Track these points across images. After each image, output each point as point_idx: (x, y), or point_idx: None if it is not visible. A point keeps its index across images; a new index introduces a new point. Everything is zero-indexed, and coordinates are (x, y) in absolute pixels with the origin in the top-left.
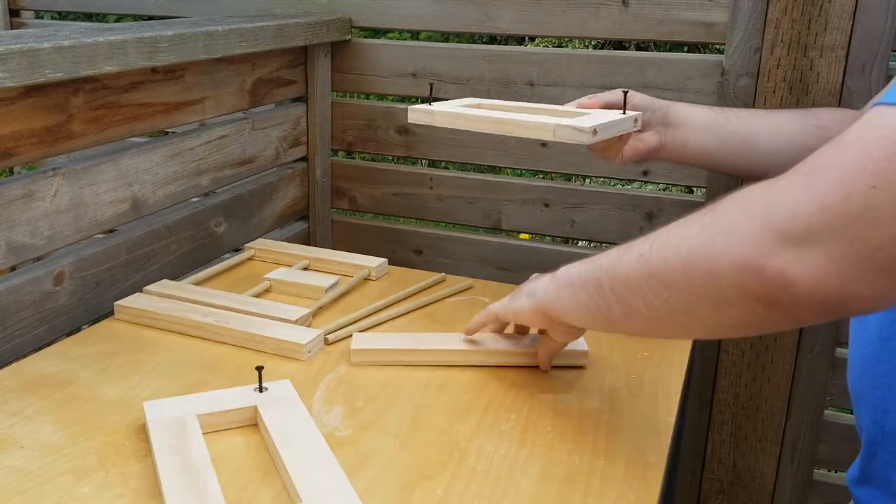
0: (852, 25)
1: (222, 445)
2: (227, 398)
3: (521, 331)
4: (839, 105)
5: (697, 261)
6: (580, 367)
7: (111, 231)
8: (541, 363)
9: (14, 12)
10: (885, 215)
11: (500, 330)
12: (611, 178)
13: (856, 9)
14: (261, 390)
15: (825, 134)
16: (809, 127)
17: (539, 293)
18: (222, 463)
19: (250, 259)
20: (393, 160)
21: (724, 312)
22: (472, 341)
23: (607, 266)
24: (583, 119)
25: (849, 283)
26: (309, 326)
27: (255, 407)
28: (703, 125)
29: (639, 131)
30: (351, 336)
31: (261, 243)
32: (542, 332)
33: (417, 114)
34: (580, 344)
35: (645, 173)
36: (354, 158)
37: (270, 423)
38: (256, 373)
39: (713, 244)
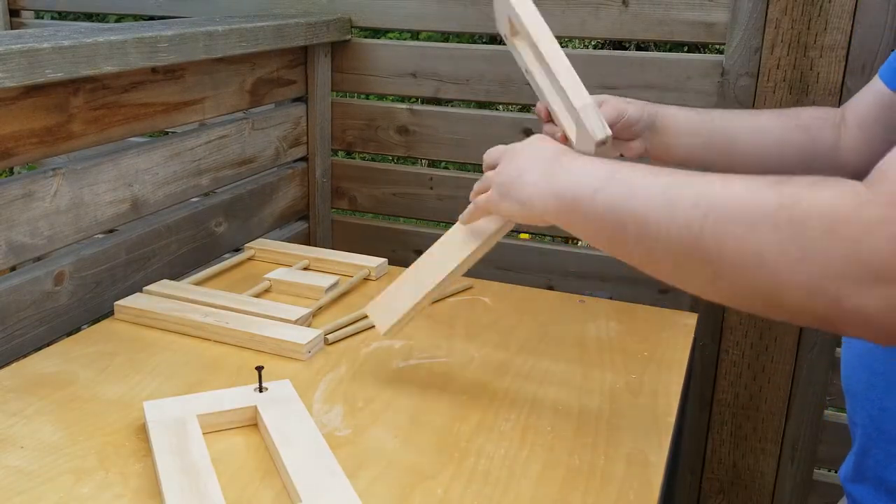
0: (852, 25)
1: (222, 445)
2: (227, 398)
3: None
4: (839, 105)
5: (764, 267)
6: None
7: (111, 231)
8: (469, 212)
9: (14, 12)
10: None
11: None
12: None
13: (856, 9)
14: (261, 390)
15: (806, 134)
16: (791, 126)
17: (537, 207)
18: (222, 463)
19: (250, 259)
20: (393, 160)
21: (773, 312)
22: (466, 236)
23: (641, 216)
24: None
25: None
26: (309, 326)
27: (255, 407)
28: (689, 129)
29: (627, 139)
30: (350, 336)
31: (261, 243)
32: None
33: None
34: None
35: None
36: (354, 158)
37: (270, 423)
38: (256, 373)
39: (788, 257)
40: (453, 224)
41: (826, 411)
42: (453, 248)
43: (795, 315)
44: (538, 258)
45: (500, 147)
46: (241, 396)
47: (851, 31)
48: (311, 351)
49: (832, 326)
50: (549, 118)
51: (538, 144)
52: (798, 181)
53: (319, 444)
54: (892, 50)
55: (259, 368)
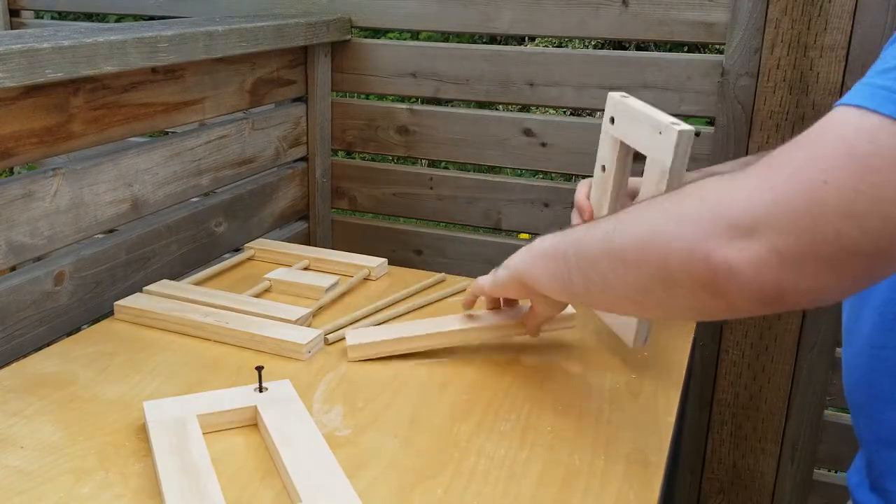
0: (852, 25)
1: (222, 445)
2: (227, 398)
3: (511, 303)
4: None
5: (653, 242)
6: (569, 328)
7: (111, 231)
8: (528, 331)
9: (14, 12)
10: (831, 211)
11: (494, 306)
12: None
13: (856, 9)
14: (261, 390)
15: None
16: None
17: (515, 262)
18: (222, 463)
19: (250, 259)
20: (393, 160)
21: (674, 295)
22: (467, 317)
23: (575, 239)
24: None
25: (788, 275)
26: (309, 326)
27: (255, 407)
28: None
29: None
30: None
31: (261, 243)
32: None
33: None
34: (567, 308)
35: None
36: (354, 158)
37: (270, 424)
38: (256, 373)
39: (668, 228)
40: (453, 224)
41: (826, 411)
42: (451, 320)
43: (686, 288)
44: None
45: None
46: (241, 396)
47: (851, 31)
48: (311, 351)
49: (717, 293)
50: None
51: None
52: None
53: (319, 445)
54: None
55: (259, 368)
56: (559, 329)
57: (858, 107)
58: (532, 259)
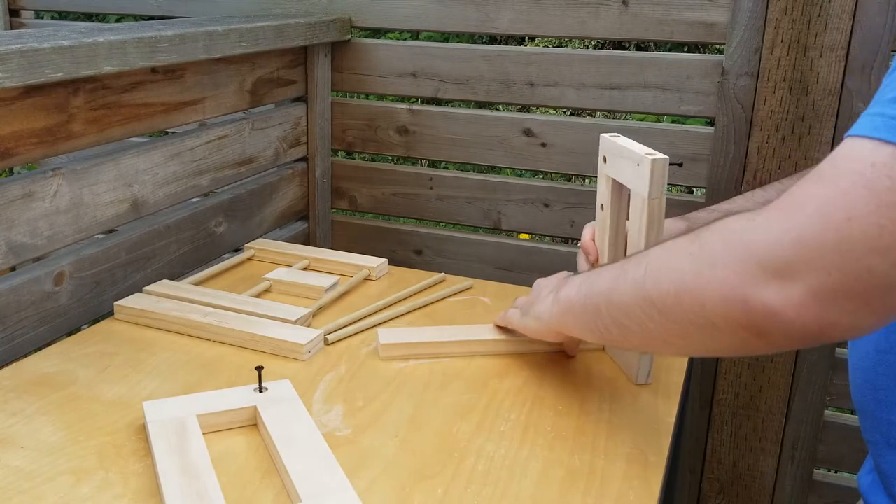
0: (852, 25)
1: (222, 446)
2: (227, 398)
3: None
4: (839, 105)
5: (688, 291)
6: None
7: (111, 231)
8: (568, 351)
9: (14, 12)
10: (859, 247)
11: None
12: None
13: (856, 9)
14: (261, 390)
15: None
16: None
17: (545, 316)
18: (222, 463)
19: (250, 259)
20: (393, 160)
21: (715, 338)
22: (501, 329)
23: (605, 291)
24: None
25: (828, 314)
26: (309, 326)
27: (255, 407)
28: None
29: None
30: (350, 336)
31: (261, 243)
32: None
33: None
34: None
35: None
36: (354, 158)
37: (270, 424)
38: (256, 373)
39: (701, 275)
40: (453, 224)
41: (826, 411)
42: (485, 330)
43: (726, 331)
44: (538, 258)
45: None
46: (240, 396)
47: (851, 31)
48: (311, 351)
49: (760, 334)
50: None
51: (552, 280)
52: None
53: (319, 445)
54: (893, 51)
55: (259, 368)
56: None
57: (870, 138)
58: (562, 313)
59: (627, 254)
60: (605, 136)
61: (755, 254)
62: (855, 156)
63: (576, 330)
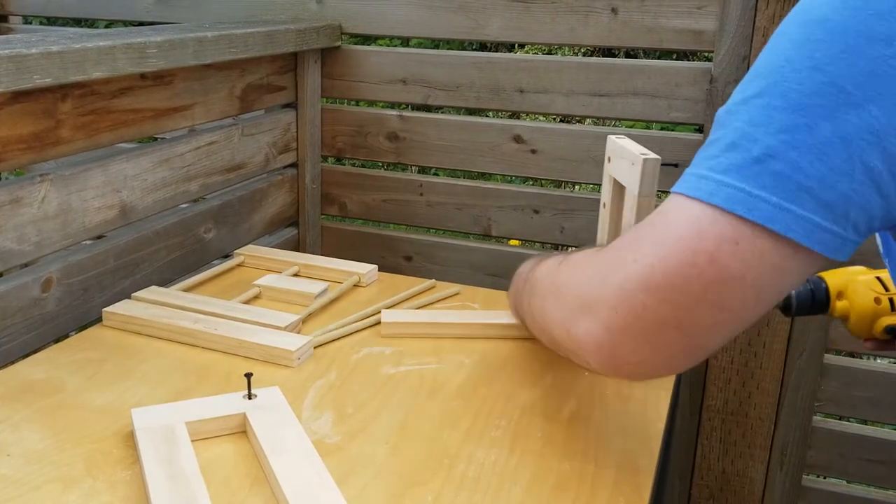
0: None
1: (211, 453)
2: (216, 405)
3: None
4: None
5: (545, 311)
6: None
7: (99, 237)
8: None
9: (2, 17)
10: (635, 286)
11: None
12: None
13: None
14: (250, 397)
15: None
16: None
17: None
18: (211, 470)
19: (240, 265)
20: (383, 166)
21: (558, 348)
22: (501, 315)
23: (519, 288)
24: None
25: (619, 349)
26: (298, 333)
27: (244, 414)
28: None
29: None
30: (338, 339)
31: (250, 249)
32: None
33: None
34: None
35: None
36: (344, 165)
37: (259, 431)
38: (245, 380)
39: (546, 304)
40: (443, 230)
41: (815, 417)
42: (485, 314)
43: (564, 348)
44: None
45: None
46: (229, 403)
47: None
48: (300, 358)
49: (579, 358)
50: None
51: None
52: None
53: (309, 452)
54: None
55: (248, 375)
56: None
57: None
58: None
59: None
60: (611, 137)
61: (576, 290)
62: (667, 219)
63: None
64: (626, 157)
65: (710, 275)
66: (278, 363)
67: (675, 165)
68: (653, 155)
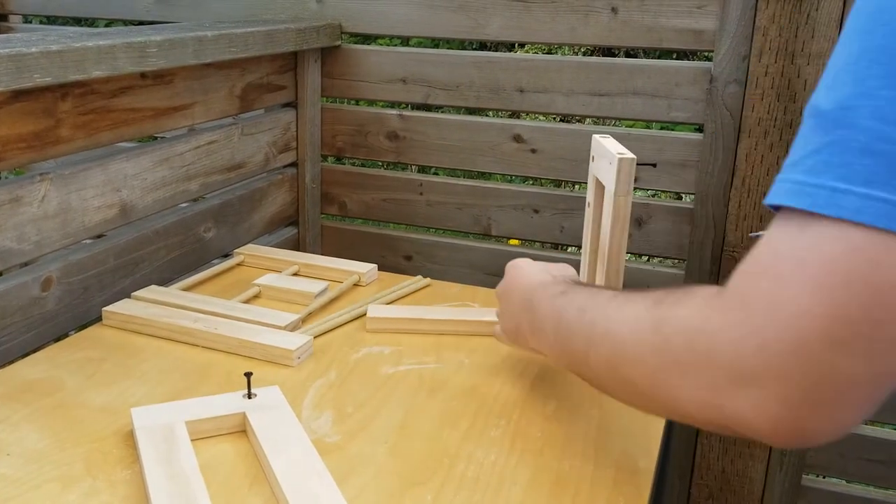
0: (839, 33)
1: (211, 452)
2: (216, 405)
3: None
4: None
5: (659, 387)
6: None
7: (99, 236)
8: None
9: (2, 16)
10: (815, 345)
11: None
12: None
13: (842, 17)
14: (249, 396)
15: None
16: None
17: (519, 342)
18: (211, 470)
19: (239, 265)
20: (383, 166)
21: (695, 424)
22: (487, 312)
23: (581, 350)
24: None
25: (805, 420)
26: (298, 332)
27: (244, 413)
28: None
29: None
30: (335, 329)
31: (250, 249)
32: None
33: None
34: None
35: (634, 179)
36: (344, 164)
37: (259, 430)
38: (245, 379)
39: (671, 376)
40: (443, 230)
41: None
42: (471, 311)
43: (707, 426)
44: None
45: (500, 286)
46: (229, 403)
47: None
48: (300, 357)
49: (737, 433)
50: None
51: (522, 284)
52: (669, 298)
53: (308, 451)
54: None
55: (248, 374)
56: None
57: (790, 208)
58: (537, 343)
59: (599, 248)
60: (595, 136)
61: (719, 362)
62: (782, 237)
63: (550, 356)
64: (605, 157)
65: None
66: (278, 362)
67: (654, 165)
68: (629, 154)
